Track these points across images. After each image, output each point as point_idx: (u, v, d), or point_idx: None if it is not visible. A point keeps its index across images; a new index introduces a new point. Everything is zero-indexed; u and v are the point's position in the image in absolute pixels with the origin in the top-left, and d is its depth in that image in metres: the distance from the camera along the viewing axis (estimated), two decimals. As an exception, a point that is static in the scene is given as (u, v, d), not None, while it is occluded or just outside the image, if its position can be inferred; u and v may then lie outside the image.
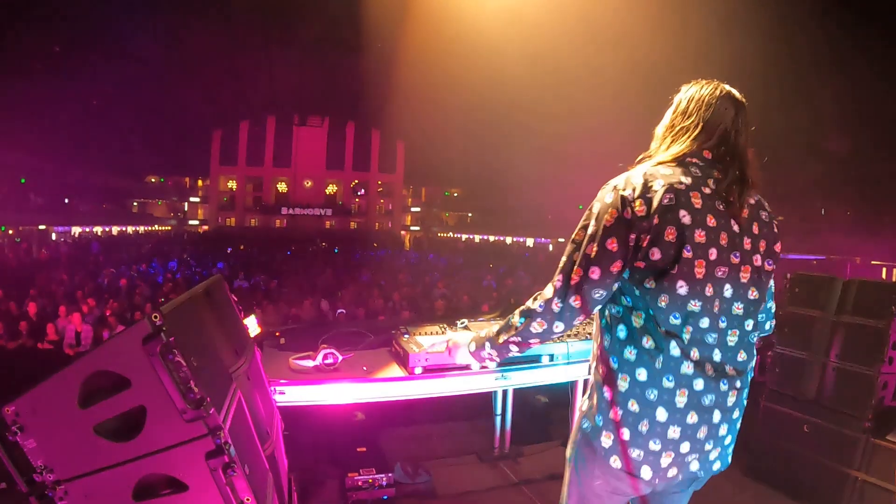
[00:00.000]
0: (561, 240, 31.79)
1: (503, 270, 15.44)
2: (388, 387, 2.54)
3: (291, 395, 2.43)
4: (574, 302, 1.29)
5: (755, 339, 1.39)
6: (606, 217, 1.27)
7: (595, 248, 1.27)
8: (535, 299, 1.36)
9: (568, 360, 2.87)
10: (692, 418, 1.29)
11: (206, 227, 41.43)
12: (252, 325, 2.71)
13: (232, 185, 43.12)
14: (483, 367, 1.44)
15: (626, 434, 1.30)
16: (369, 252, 23.58)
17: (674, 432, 1.28)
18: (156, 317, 1.22)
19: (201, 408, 1.24)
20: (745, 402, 1.38)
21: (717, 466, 1.39)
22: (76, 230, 30.79)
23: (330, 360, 2.56)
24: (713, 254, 1.26)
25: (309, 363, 2.57)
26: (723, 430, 1.34)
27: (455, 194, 48.81)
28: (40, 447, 1.23)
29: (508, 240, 35.27)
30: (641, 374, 1.28)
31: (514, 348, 1.42)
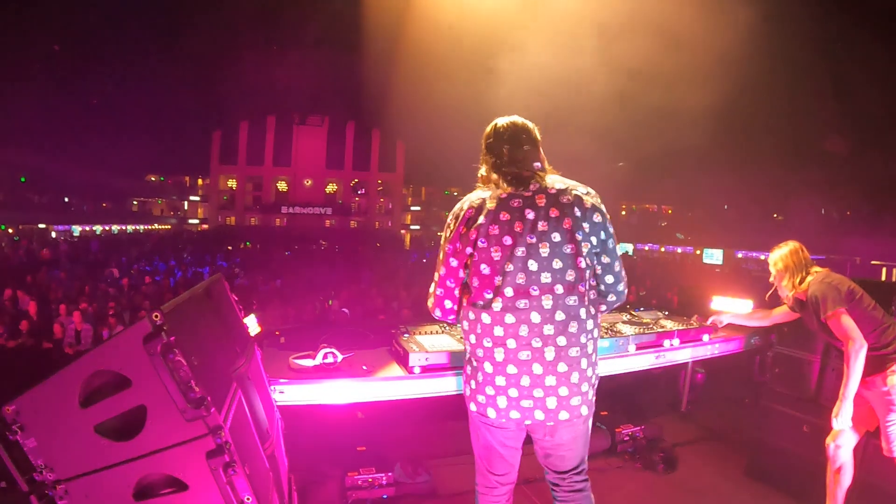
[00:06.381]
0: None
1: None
2: (388, 386, 2.53)
3: (291, 394, 2.43)
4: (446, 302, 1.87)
5: (574, 302, 1.69)
6: (444, 235, 1.80)
7: (444, 262, 1.80)
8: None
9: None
10: (512, 369, 1.69)
11: (205, 226, 41.34)
12: (252, 324, 2.71)
13: (232, 183, 42.99)
14: None
15: (472, 384, 1.80)
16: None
17: (501, 381, 1.71)
18: (157, 316, 1.22)
19: (202, 407, 1.24)
20: (578, 359, 1.70)
21: (563, 416, 1.69)
22: (76, 229, 30.74)
23: (330, 360, 2.56)
24: (508, 240, 1.68)
25: (309, 362, 2.57)
26: (551, 381, 1.68)
27: (455, 194, 48.71)
28: (41, 446, 1.23)
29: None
30: (471, 340, 1.77)
31: None
